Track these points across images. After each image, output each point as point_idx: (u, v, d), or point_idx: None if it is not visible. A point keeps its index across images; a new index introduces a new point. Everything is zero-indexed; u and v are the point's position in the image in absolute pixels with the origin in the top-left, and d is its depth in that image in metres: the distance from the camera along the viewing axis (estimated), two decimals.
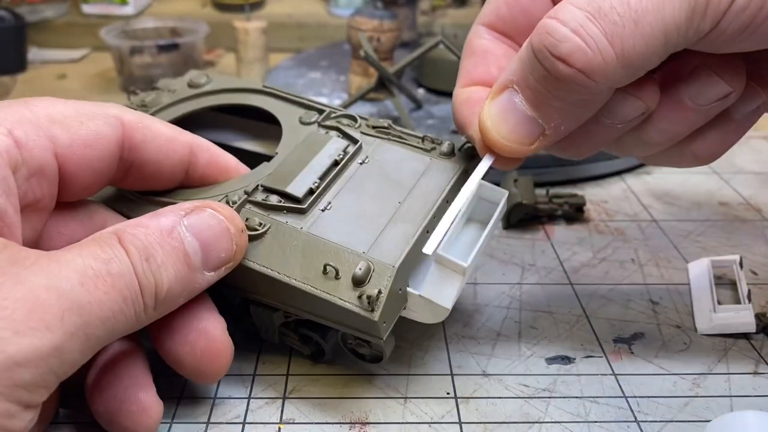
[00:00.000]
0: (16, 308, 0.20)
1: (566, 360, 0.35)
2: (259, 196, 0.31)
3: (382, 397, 0.32)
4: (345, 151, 0.34)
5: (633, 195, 0.52)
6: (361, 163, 0.34)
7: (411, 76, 0.68)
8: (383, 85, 0.56)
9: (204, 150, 0.32)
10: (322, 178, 0.32)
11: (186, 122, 0.37)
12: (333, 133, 0.35)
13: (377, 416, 0.31)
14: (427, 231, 0.31)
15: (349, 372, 0.33)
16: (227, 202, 0.30)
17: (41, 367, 0.21)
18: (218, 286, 0.31)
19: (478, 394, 0.32)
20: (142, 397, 0.28)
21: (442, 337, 0.36)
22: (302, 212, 0.31)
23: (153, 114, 0.38)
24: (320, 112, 0.37)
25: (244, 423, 0.30)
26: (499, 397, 0.32)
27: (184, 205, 0.28)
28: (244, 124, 0.41)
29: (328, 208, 0.31)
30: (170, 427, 0.30)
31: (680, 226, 0.48)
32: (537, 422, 0.31)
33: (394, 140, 0.35)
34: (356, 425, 0.30)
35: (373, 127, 0.36)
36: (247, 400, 0.32)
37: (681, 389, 0.33)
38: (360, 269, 0.28)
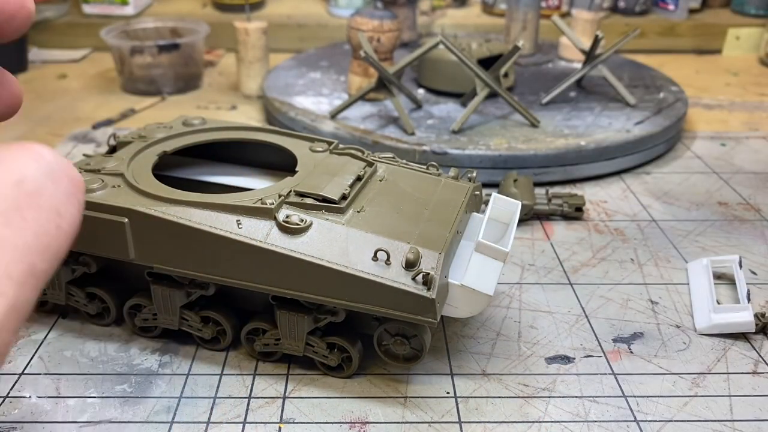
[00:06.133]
0: None
1: (566, 360, 0.35)
2: (294, 199, 0.32)
3: (382, 397, 0.32)
4: (365, 170, 0.35)
5: (632, 195, 0.52)
6: (380, 181, 0.35)
7: (411, 76, 0.68)
8: (383, 85, 0.56)
9: None
10: (351, 187, 0.33)
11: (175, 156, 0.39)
12: (347, 157, 0.36)
13: (377, 416, 0.31)
14: (458, 231, 0.32)
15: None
16: (263, 204, 0.31)
17: (1, 336, 0.18)
18: (242, 294, 0.32)
19: (478, 394, 0.32)
20: None
21: (442, 337, 0.36)
22: (340, 211, 0.31)
23: (163, 140, 0.38)
24: (329, 143, 0.38)
25: (244, 422, 0.31)
26: (499, 397, 0.32)
27: None
28: (214, 164, 0.42)
29: (362, 210, 0.32)
30: (170, 427, 0.30)
31: (679, 226, 0.48)
32: (537, 422, 0.31)
33: (402, 167, 0.37)
34: (356, 425, 0.31)
35: (381, 158, 0.37)
36: (247, 399, 0.32)
37: (680, 389, 0.33)
38: (411, 253, 0.29)
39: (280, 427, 0.30)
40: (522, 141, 0.53)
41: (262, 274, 0.30)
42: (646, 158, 0.57)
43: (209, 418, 0.31)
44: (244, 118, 0.67)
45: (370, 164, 0.36)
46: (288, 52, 0.84)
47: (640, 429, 0.30)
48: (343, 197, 0.32)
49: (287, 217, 0.30)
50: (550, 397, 0.32)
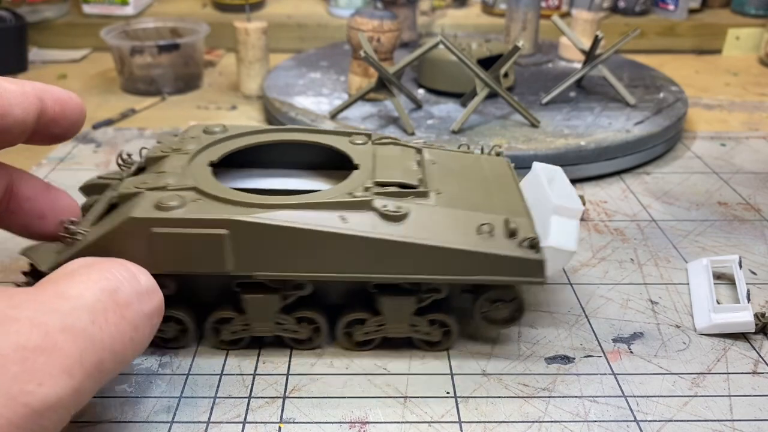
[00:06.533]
0: (37, 357, 0.20)
1: (566, 359, 0.35)
2: (379, 190, 0.33)
3: (382, 397, 0.32)
4: (417, 155, 0.36)
5: (632, 195, 0.52)
6: (433, 164, 0.36)
7: (411, 76, 0.68)
8: (383, 85, 0.56)
9: (48, 92, 0.29)
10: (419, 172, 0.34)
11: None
12: (394, 146, 0.38)
13: (377, 416, 0.31)
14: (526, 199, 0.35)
15: (349, 372, 0.34)
16: (353, 197, 0.31)
17: (61, 412, 0.21)
18: (332, 289, 0.33)
19: (478, 394, 0.32)
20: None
21: None
22: (425, 195, 0.33)
23: (205, 149, 0.37)
24: (367, 135, 0.39)
25: (244, 422, 0.31)
26: (499, 397, 0.32)
27: None
28: (251, 170, 0.41)
29: (440, 192, 0.33)
30: (170, 427, 0.30)
31: (679, 226, 0.48)
32: (537, 422, 0.31)
33: (441, 150, 0.38)
34: (356, 425, 0.31)
35: (416, 143, 0.39)
36: (247, 399, 0.32)
37: (680, 389, 0.33)
38: (513, 223, 0.31)
39: (280, 427, 0.30)
40: (522, 141, 0.53)
41: (369, 263, 0.31)
42: (646, 158, 0.57)
43: (209, 418, 0.31)
44: (244, 118, 0.67)
45: (418, 150, 0.37)
46: (288, 52, 0.84)
47: (640, 429, 0.30)
48: (420, 181, 0.33)
49: (384, 206, 0.31)
50: (550, 397, 0.32)
